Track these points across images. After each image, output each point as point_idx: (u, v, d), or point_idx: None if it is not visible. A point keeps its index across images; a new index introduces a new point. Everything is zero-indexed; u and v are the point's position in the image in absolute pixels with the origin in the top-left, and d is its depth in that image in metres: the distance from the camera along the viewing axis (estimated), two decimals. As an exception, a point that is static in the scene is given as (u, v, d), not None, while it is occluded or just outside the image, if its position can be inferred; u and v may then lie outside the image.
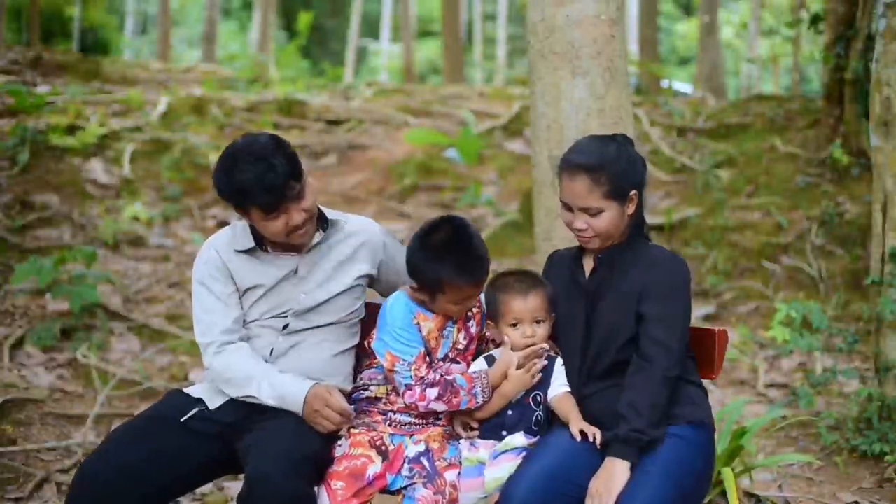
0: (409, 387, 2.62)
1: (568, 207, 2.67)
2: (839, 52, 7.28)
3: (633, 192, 2.66)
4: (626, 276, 2.65)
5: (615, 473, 2.47)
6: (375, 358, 2.73)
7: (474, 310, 2.78)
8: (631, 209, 2.67)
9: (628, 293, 2.62)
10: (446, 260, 2.58)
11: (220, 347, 2.75)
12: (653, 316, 2.58)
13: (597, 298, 2.68)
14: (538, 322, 2.69)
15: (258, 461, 2.52)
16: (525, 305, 2.67)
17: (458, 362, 2.74)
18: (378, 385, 2.76)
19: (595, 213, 2.62)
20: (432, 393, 2.60)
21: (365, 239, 2.90)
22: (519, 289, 2.69)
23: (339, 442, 2.69)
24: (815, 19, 7.72)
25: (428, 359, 2.65)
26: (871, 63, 4.74)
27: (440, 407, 2.62)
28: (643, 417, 2.50)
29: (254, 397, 2.70)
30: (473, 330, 2.78)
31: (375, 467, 2.62)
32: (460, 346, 2.73)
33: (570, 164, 2.65)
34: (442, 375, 2.63)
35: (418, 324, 2.66)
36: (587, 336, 2.68)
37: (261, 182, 2.56)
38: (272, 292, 2.79)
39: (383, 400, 2.74)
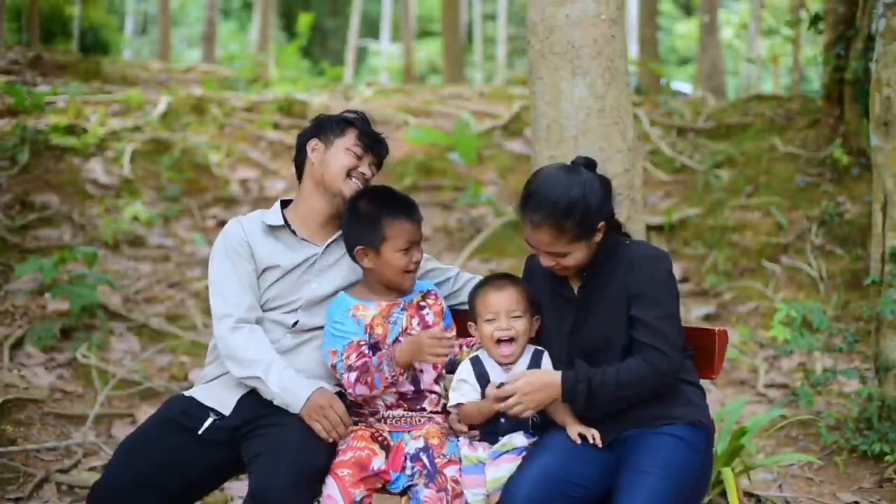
0: (342, 376, 2.68)
1: (533, 247, 2.63)
2: (839, 52, 7.28)
3: (601, 225, 2.58)
4: (611, 283, 2.62)
5: (546, 384, 2.52)
6: None
7: (430, 300, 2.82)
8: (599, 237, 2.60)
9: (617, 301, 2.60)
10: (379, 209, 2.74)
11: (237, 323, 2.76)
12: (645, 321, 2.55)
13: (586, 310, 2.66)
14: (515, 317, 2.67)
15: (264, 473, 2.52)
16: (500, 298, 2.67)
17: None
18: None
19: (563, 255, 2.57)
20: (352, 377, 2.66)
21: None
22: (494, 284, 2.71)
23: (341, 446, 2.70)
24: (815, 19, 7.72)
25: (366, 348, 2.70)
26: (871, 63, 4.74)
27: (362, 390, 2.66)
28: (612, 380, 2.51)
29: (258, 378, 2.69)
30: (430, 318, 2.80)
31: (379, 461, 2.64)
32: (413, 332, 2.74)
33: (531, 214, 2.54)
34: (365, 358, 2.67)
35: (355, 315, 2.73)
36: (580, 347, 2.65)
37: (368, 124, 2.95)
38: (287, 277, 2.83)
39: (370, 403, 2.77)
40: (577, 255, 2.57)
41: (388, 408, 2.74)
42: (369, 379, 2.65)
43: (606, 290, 2.63)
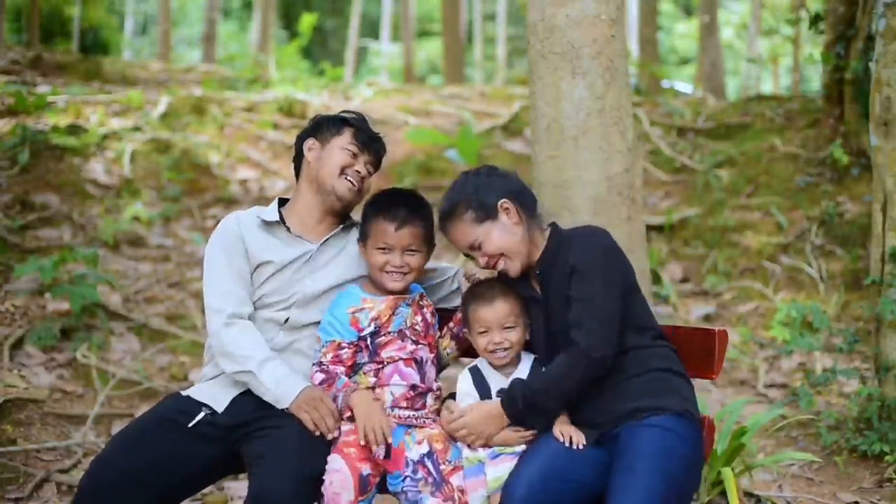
0: (313, 364, 2.75)
1: (468, 256, 2.76)
2: (839, 52, 7.27)
3: (501, 202, 2.70)
4: (559, 276, 2.67)
5: (492, 415, 2.60)
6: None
7: (425, 301, 2.87)
8: (514, 219, 2.70)
9: (566, 289, 2.64)
10: (372, 206, 2.83)
11: (230, 318, 2.77)
12: (572, 298, 2.59)
13: (551, 308, 2.70)
14: (507, 328, 2.70)
15: (265, 477, 2.52)
16: (490, 312, 2.69)
17: (418, 343, 2.80)
18: (365, 374, 2.79)
19: (480, 244, 2.68)
20: (319, 376, 2.73)
21: None
22: (485, 297, 2.71)
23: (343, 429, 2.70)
24: (816, 19, 7.71)
25: (347, 351, 2.73)
26: (871, 63, 4.73)
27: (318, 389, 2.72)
28: (540, 385, 2.57)
29: (251, 373, 2.69)
30: (429, 318, 2.85)
31: (380, 450, 2.63)
32: (418, 328, 2.79)
33: (440, 226, 2.78)
34: (338, 368, 2.73)
35: (363, 309, 2.75)
36: (554, 344, 2.68)
37: (366, 123, 2.98)
38: (282, 272, 2.84)
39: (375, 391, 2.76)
40: (493, 237, 2.68)
41: (394, 405, 2.73)
42: (330, 389, 2.72)
43: (558, 283, 2.67)
